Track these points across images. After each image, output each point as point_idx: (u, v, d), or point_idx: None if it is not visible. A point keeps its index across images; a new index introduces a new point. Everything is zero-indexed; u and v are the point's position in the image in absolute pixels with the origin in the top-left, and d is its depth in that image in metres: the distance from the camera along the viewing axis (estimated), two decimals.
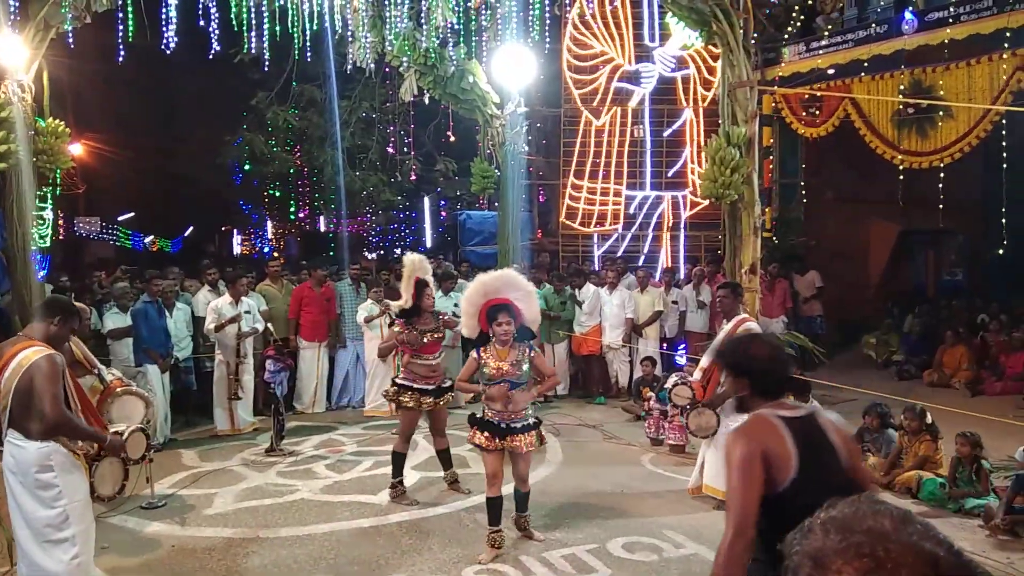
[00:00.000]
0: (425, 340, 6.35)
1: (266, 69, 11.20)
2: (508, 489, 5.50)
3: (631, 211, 13.36)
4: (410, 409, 6.35)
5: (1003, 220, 10.09)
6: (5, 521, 4.28)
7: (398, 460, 6.46)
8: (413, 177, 19.22)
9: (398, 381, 6.46)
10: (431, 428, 6.67)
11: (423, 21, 9.68)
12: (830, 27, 10.11)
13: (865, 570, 0.93)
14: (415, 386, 6.33)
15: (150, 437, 5.56)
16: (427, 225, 22.51)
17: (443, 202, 21.99)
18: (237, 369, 8.56)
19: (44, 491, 3.95)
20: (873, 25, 9.55)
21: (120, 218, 26.63)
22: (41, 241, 7.18)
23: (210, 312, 8.53)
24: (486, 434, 5.20)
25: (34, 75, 6.49)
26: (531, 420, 5.30)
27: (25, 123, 6.36)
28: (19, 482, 3.96)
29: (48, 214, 7.32)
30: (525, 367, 5.24)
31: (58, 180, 8.53)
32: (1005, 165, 9.36)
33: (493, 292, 5.30)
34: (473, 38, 10.41)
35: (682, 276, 11.65)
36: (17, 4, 5.90)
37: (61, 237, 16.77)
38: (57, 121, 6.85)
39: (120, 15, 7.21)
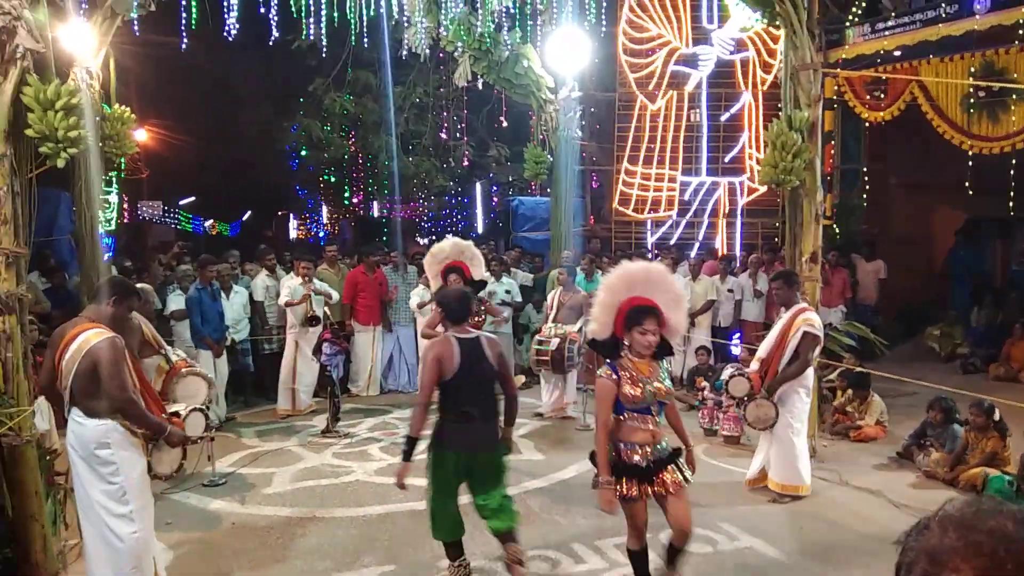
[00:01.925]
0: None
1: (323, 55, 11.33)
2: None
3: (686, 197, 13.17)
4: None
5: None
6: (73, 496, 4.44)
7: None
8: (466, 163, 19.26)
9: None
10: None
11: (478, 5, 9.65)
12: (897, 7, 9.76)
13: (984, 569, 0.92)
14: None
15: (208, 418, 5.70)
16: (479, 211, 22.54)
17: (495, 188, 21.98)
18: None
19: (103, 467, 4.07)
20: (943, 5, 9.19)
21: (181, 202, 27.32)
22: (107, 224, 7.39)
23: (284, 287, 8.83)
24: (632, 481, 4.06)
25: (101, 62, 6.66)
26: (667, 444, 4.22)
27: (93, 110, 6.53)
28: (80, 458, 4.09)
29: (114, 198, 7.54)
30: (668, 382, 4.23)
31: (123, 165, 8.77)
32: None
33: (640, 289, 4.15)
34: (528, 22, 10.34)
35: (737, 264, 11.44)
36: None
37: (125, 220, 17.27)
38: (123, 107, 7.02)
39: (183, 3, 7.35)
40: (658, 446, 4.12)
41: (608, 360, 4.16)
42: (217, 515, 5.84)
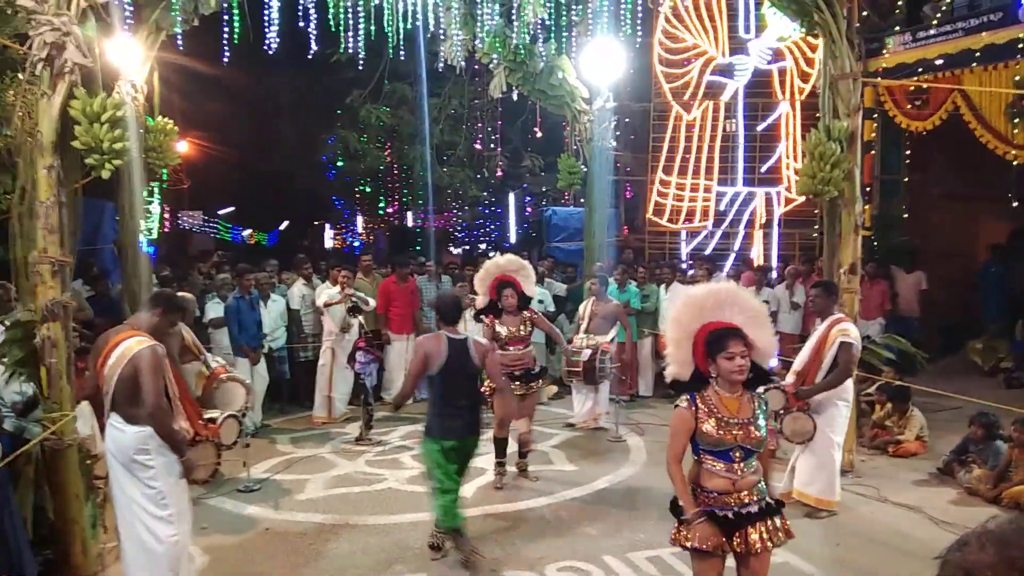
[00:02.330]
0: (509, 337, 6.81)
1: (360, 68, 11.46)
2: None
3: (721, 207, 13.07)
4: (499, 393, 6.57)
5: None
6: (112, 500, 4.53)
7: (499, 444, 6.75)
8: (500, 173, 19.34)
9: None
10: (519, 413, 6.88)
11: (514, 17, 9.70)
12: (939, 15, 9.61)
13: None
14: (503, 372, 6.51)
15: (243, 424, 5.79)
16: (512, 221, 22.58)
17: (528, 198, 22.02)
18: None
19: (141, 472, 4.15)
20: (987, 14, 9.04)
21: (221, 212, 27.81)
22: (149, 234, 7.55)
23: (322, 296, 8.92)
24: (711, 530, 3.44)
25: (146, 76, 6.83)
26: (764, 494, 3.55)
27: (137, 122, 6.70)
28: (119, 463, 4.17)
29: (155, 208, 7.69)
30: (763, 427, 3.51)
31: (165, 176, 8.97)
32: None
33: (712, 313, 3.59)
34: (563, 33, 10.36)
35: (775, 275, 11.30)
36: (132, 8, 6.22)
37: (166, 230, 17.64)
38: (166, 119, 7.19)
39: (226, 16, 7.51)
40: (752, 494, 3.48)
41: (690, 395, 3.57)
42: (251, 520, 5.91)
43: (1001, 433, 6.66)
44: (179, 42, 7.32)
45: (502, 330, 6.83)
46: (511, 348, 6.83)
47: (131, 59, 6.28)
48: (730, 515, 3.44)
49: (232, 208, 28.22)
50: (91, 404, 4.68)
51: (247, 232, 30.66)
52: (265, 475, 6.94)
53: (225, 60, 8.04)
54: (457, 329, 5.21)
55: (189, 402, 4.71)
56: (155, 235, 7.90)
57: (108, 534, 4.98)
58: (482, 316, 6.97)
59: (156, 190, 7.56)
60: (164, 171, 7.87)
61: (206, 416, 5.19)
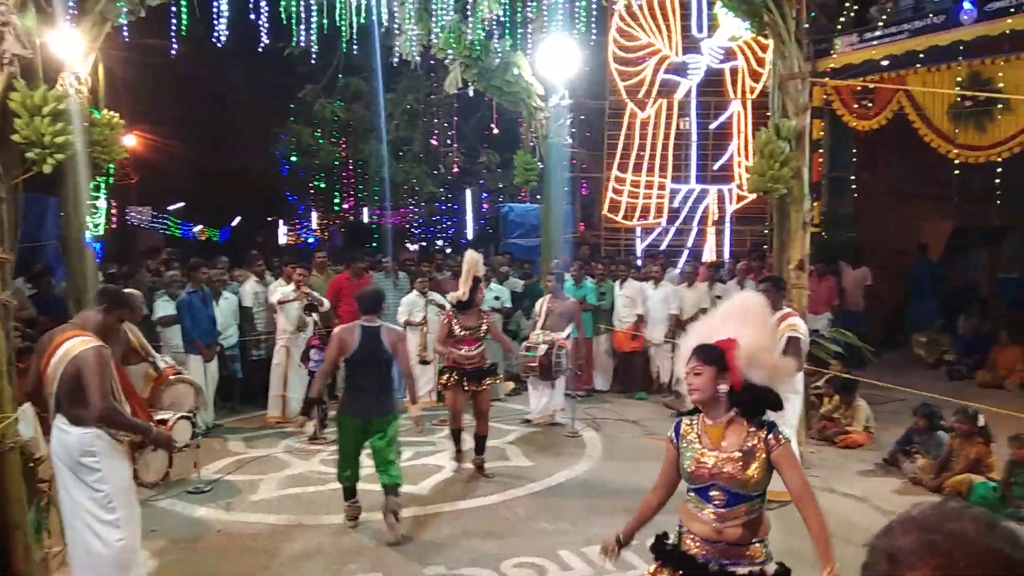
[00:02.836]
0: (464, 335, 6.89)
1: (314, 62, 11.34)
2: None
3: (675, 204, 13.23)
4: (450, 387, 6.90)
5: None
6: (56, 503, 4.41)
7: (455, 435, 7.04)
8: (456, 169, 19.29)
9: (442, 366, 7.13)
10: (474, 412, 6.99)
11: (469, 13, 9.68)
12: (884, 17, 9.85)
13: (939, 567, 0.94)
14: (458, 368, 6.89)
15: (195, 425, 5.68)
16: (469, 217, 22.55)
17: (485, 194, 22.02)
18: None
19: (88, 475, 4.05)
20: (930, 15, 9.29)
21: (170, 208, 27.24)
22: (95, 230, 7.36)
23: (275, 292, 8.88)
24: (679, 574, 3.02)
25: (90, 68, 6.65)
26: (768, 559, 3.09)
27: (81, 115, 6.52)
28: (65, 466, 4.07)
29: (102, 203, 7.51)
30: (756, 469, 2.93)
31: (111, 170, 8.75)
32: None
33: (719, 330, 3.15)
34: (519, 30, 10.38)
35: (725, 271, 11.49)
36: None
37: (113, 226, 17.19)
38: (111, 113, 7.00)
39: (173, 8, 7.35)
40: (747, 552, 2.98)
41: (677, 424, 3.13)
42: (202, 522, 5.81)
43: (943, 424, 6.87)
44: (125, 34, 7.15)
45: (457, 328, 6.85)
46: (464, 348, 6.88)
47: (74, 50, 6.10)
48: (714, 567, 2.93)
49: (182, 204, 27.66)
50: (34, 405, 4.55)
51: (198, 228, 30.08)
52: (217, 476, 6.82)
53: (173, 52, 7.88)
54: (373, 319, 5.61)
55: (138, 404, 4.59)
56: (101, 231, 7.72)
57: (52, 539, 4.84)
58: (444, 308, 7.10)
59: (102, 185, 7.38)
60: (110, 166, 7.68)
61: (157, 418, 5.07)
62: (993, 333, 11.17)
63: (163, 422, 5.18)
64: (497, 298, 10.12)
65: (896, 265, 13.12)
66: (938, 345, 11.88)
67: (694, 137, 13.14)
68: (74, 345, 4.02)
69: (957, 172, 10.20)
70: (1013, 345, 10.57)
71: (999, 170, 9.80)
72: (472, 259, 7.05)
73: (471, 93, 11.37)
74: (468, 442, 7.14)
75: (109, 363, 4.10)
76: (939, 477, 6.38)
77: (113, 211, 17.93)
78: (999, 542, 0.94)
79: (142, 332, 6.71)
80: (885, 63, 9.90)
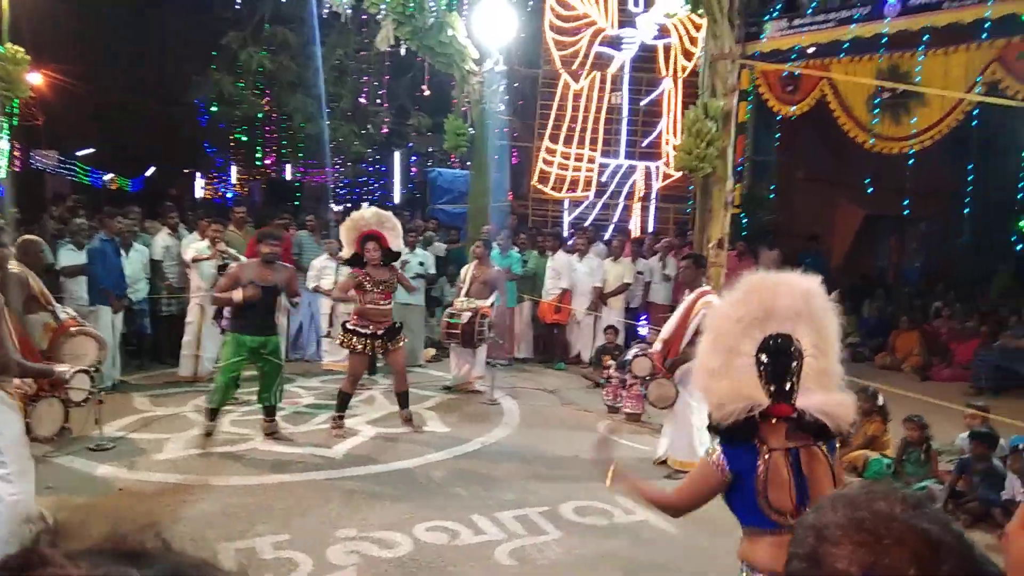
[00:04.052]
0: (378, 289, 6.83)
1: (238, 7, 10.85)
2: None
3: (603, 179, 13.31)
4: (359, 353, 6.81)
5: (966, 210, 10.24)
6: None
7: (343, 398, 6.93)
8: (385, 130, 18.90)
9: (348, 326, 6.89)
10: (392, 371, 7.05)
11: None
12: (814, 4, 10.06)
13: (863, 543, 0.95)
14: (366, 331, 6.76)
15: (94, 380, 5.44)
16: (396, 180, 22.20)
17: (414, 157, 21.69)
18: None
19: None
20: (857, 6, 9.53)
21: (79, 153, 25.82)
22: None
23: (188, 248, 8.58)
24: None
25: None
26: None
27: None
28: None
29: (4, 144, 7.07)
30: None
31: (15, 110, 8.20)
32: (973, 156, 9.48)
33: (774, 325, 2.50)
34: None
35: (645, 247, 11.67)
36: None
37: (17, 169, 16.21)
38: (16, 47, 6.58)
39: None
40: None
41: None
42: (103, 480, 5.59)
43: None
44: None
45: (367, 283, 6.78)
46: (378, 303, 6.84)
47: None
48: None
49: (92, 150, 26.25)
50: None
51: (108, 177, 28.65)
52: (120, 433, 6.57)
53: None
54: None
55: (32, 355, 4.36)
56: (3, 174, 7.26)
57: None
58: (351, 267, 6.99)
59: (5, 125, 6.95)
60: (15, 104, 7.22)
61: (57, 371, 4.82)
62: (895, 318, 11.74)
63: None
64: (422, 263, 10.01)
65: (807, 248, 13.59)
66: (844, 328, 12.40)
67: (625, 112, 13.21)
68: None
69: (871, 162, 10.57)
70: (912, 330, 11.13)
71: (910, 162, 10.19)
72: (352, 216, 7.09)
73: (403, 52, 11.14)
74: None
75: (2, 311, 3.87)
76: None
77: (17, 154, 16.89)
78: (924, 521, 0.96)
79: (44, 282, 6.37)
80: (811, 50, 10.10)
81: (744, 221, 12.36)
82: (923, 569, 0.92)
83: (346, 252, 7.00)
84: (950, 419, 7.02)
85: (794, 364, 2.40)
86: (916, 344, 10.96)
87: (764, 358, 2.40)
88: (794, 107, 10.94)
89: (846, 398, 2.48)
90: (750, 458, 2.40)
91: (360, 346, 6.77)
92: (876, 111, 9.84)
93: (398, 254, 7.22)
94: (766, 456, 2.38)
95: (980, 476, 5.56)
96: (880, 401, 6.67)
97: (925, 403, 7.02)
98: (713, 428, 2.50)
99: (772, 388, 2.39)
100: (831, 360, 2.51)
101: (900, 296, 13.14)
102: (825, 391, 2.45)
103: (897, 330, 11.31)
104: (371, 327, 6.78)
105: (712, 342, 2.51)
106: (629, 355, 7.01)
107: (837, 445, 2.62)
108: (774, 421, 2.40)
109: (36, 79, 15.83)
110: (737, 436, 2.41)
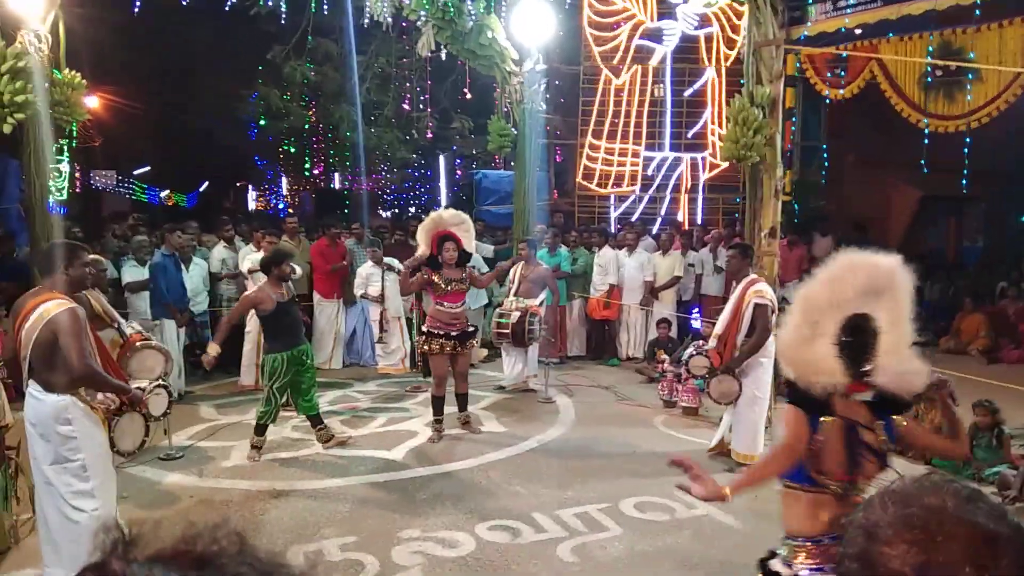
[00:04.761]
0: (449, 288, 6.84)
1: (282, 22, 11.07)
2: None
3: (649, 172, 13.22)
4: (436, 354, 6.84)
5: None
6: (26, 469, 4.35)
7: (437, 403, 6.92)
8: (429, 135, 19.06)
9: (424, 329, 6.98)
10: (453, 372, 7.04)
11: None
12: None
13: (915, 542, 0.91)
14: (439, 332, 6.81)
15: (171, 394, 5.62)
16: (442, 184, 22.38)
17: (459, 160, 21.83)
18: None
19: (63, 444, 3.98)
20: None
21: (136, 172, 26.64)
22: (58, 194, 7.18)
23: (244, 259, 8.82)
24: None
25: (50, 26, 6.44)
26: None
27: (42, 74, 6.32)
28: (39, 434, 3.99)
29: (65, 166, 7.32)
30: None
31: (74, 132, 8.51)
32: None
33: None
34: None
35: (695, 239, 11.55)
36: None
37: (77, 190, 16.81)
38: (73, 72, 6.81)
39: None
40: None
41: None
42: (174, 489, 5.77)
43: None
44: None
45: (439, 280, 6.81)
46: (447, 304, 6.86)
47: (34, 7, 5.90)
48: None
49: (148, 168, 27.05)
50: (11, 371, 4.45)
51: (164, 193, 29.51)
52: (188, 442, 6.77)
53: (136, 9, 7.64)
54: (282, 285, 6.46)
55: (113, 369, 4.52)
56: (65, 195, 7.52)
57: (21, 506, 4.79)
58: (420, 269, 6.95)
59: (65, 148, 7.20)
60: (73, 127, 7.48)
61: (134, 386, 4.99)
62: (958, 299, 11.41)
63: (140, 390, 5.11)
64: (472, 266, 10.07)
65: (864, 232, 13.28)
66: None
67: (668, 104, 13.10)
68: (48, 308, 3.92)
69: (926, 142, 10.30)
70: (976, 312, 10.81)
71: (967, 140, 9.90)
72: (432, 217, 7.06)
73: (444, 57, 11.21)
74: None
75: (85, 324, 4.03)
76: None
77: (77, 175, 17.51)
78: (979, 515, 0.92)
79: (109, 298, 6.61)
80: (858, 31, 9.89)
81: (796, 208, 12.16)
82: (980, 565, 0.88)
83: (423, 251, 6.91)
84: (1023, 402, 6.79)
85: (871, 343, 2.52)
86: (982, 326, 10.65)
87: (844, 338, 2.51)
88: (843, 90, 10.74)
89: (917, 365, 2.57)
90: (815, 424, 2.56)
91: (437, 347, 6.82)
92: (929, 90, 9.59)
93: (471, 255, 7.24)
94: (827, 426, 2.54)
95: None
96: (948, 388, 6.49)
97: (994, 386, 6.81)
98: (793, 392, 2.63)
99: (850, 367, 2.51)
100: (904, 330, 2.60)
101: (961, 277, 12.75)
102: (897, 362, 2.54)
103: (962, 312, 11.00)
104: (444, 328, 6.82)
105: (799, 317, 2.61)
106: (685, 354, 6.97)
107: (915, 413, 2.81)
108: (850, 398, 2.56)
109: (92, 102, 16.40)
110: (813, 407, 2.56)
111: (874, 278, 2.56)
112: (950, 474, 5.85)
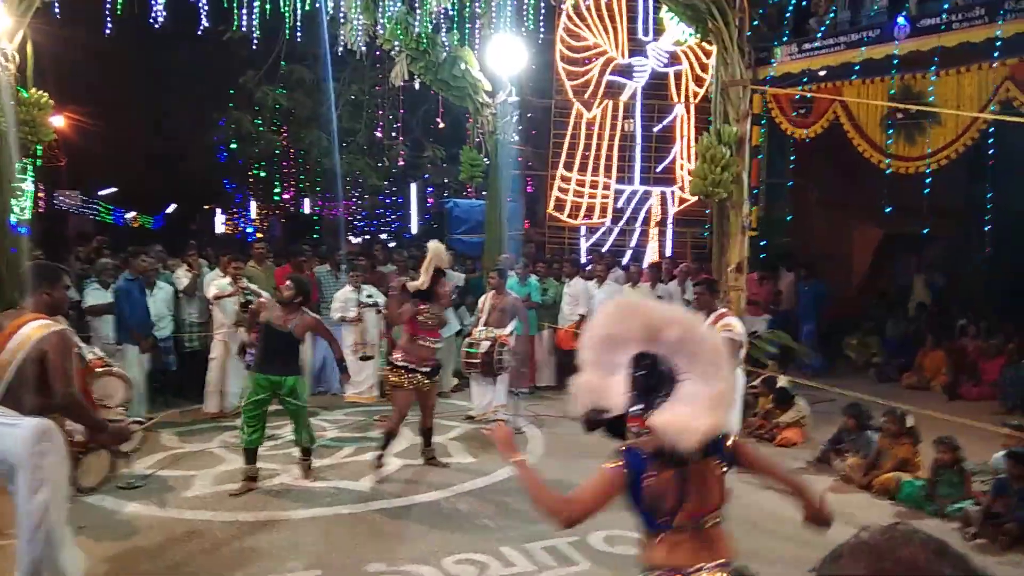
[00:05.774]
0: (431, 324, 6.84)
1: (255, 47, 11.08)
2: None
3: (619, 205, 13.38)
4: (403, 389, 6.71)
5: (986, 228, 10.19)
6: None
7: (388, 439, 6.74)
8: (401, 163, 19.11)
9: (397, 362, 6.78)
10: (420, 406, 6.95)
11: (416, 5, 9.60)
12: (823, 29, 10.14)
13: None
14: (412, 367, 6.69)
15: (149, 428, 5.47)
16: (413, 212, 22.40)
17: (430, 189, 21.88)
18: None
19: (35, 464, 3.81)
20: (866, 29, 9.59)
21: (101, 192, 26.28)
22: (21, 213, 7.06)
23: (210, 285, 8.61)
24: None
25: (17, 44, 6.37)
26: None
27: (7, 93, 6.24)
28: (13, 464, 3.81)
29: (28, 186, 7.21)
30: None
31: (39, 152, 8.39)
32: (990, 173, 9.45)
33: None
34: (466, 25, 10.34)
35: (663, 272, 11.66)
36: None
37: (41, 210, 16.51)
38: (40, 92, 6.74)
39: None
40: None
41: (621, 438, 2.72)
42: (134, 519, 5.62)
43: (871, 424, 7.11)
44: (56, 10, 6.86)
45: (423, 317, 6.78)
46: (429, 339, 6.81)
47: (1, 25, 5.83)
48: None
49: (114, 189, 26.70)
50: None
51: (131, 214, 29.11)
52: (149, 471, 6.61)
53: (107, 31, 7.60)
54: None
55: (88, 396, 4.37)
56: (28, 215, 7.38)
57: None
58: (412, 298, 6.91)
59: (29, 167, 7.09)
60: (38, 147, 7.37)
61: (109, 418, 4.82)
62: (920, 337, 11.62)
63: (116, 423, 4.96)
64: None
65: (826, 270, 13.53)
66: (867, 348, 12.30)
67: (638, 139, 13.31)
68: (34, 329, 3.78)
69: (887, 182, 10.55)
70: (937, 349, 11.02)
71: (927, 181, 10.17)
72: (435, 249, 6.97)
73: (417, 86, 11.29)
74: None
75: (72, 348, 3.91)
76: (868, 475, 6.60)
77: (41, 195, 17.22)
78: (949, 568, 0.93)
79: (70, 321, 6.46)
80: (822, 73, 10.17)
81: (763, 244, 12.35)
82: None
83: (424, 283, 6.82)
84: (986, 439, 6.92)
85: (660, 383, 2.56)
86: (943, 363, 10.84)
87: (633, 372, 2.60)
88: (807, 130, 10.99)
89: (696, 422, 2.48)
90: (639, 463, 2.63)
91: (404, 381, 6.70)
92: (890, 132, 9.85)
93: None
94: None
95: (1018, 496, 5.48)
96: (909, 423, 6.61)
97: (955, 423, 6.93)
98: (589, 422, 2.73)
99: (635, 400, 2.59)
100: (716, 387, 2.55)
101: (922, 314, 13.01)
102: (690, 415, 2.50)
103: (923, 349, 11.20)
104: (416, 363, 6.71)
105: (596, 343, 2.75)
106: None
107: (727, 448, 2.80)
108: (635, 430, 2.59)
109: (58, 121, 16.18)
110: (612, 433, 2.70)
111: (668, 326, 2.56)
112: (915, 511, 5.90)
